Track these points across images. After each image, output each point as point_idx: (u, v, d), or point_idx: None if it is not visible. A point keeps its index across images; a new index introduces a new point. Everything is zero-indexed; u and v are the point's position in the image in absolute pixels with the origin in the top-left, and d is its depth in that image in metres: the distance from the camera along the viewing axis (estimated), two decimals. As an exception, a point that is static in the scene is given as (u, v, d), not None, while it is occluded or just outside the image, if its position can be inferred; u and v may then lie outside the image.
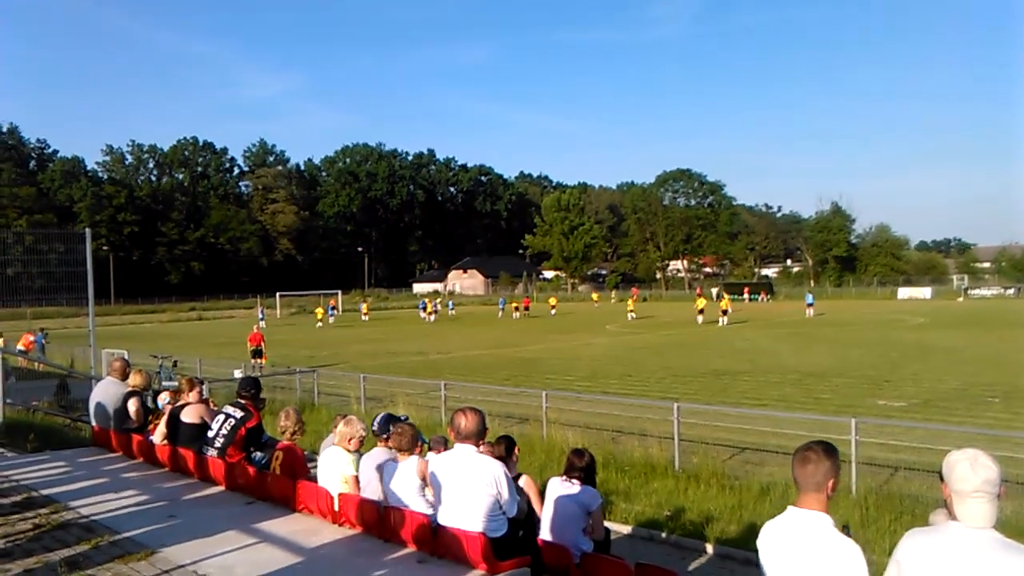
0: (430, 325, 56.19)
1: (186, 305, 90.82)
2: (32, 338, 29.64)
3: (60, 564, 4.98)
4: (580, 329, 46.66)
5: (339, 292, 79.96)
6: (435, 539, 4.91)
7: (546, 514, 5.87)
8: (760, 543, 3.40)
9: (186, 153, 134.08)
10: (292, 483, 6.29)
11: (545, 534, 5.78)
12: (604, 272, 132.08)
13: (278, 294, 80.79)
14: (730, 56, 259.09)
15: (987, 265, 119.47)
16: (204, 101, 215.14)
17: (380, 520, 5.42)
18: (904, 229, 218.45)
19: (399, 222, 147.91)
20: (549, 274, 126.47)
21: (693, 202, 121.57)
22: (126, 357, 13.39)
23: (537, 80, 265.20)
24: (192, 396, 8.05)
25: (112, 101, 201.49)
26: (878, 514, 9.03)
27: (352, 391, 18.57)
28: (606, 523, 6.64)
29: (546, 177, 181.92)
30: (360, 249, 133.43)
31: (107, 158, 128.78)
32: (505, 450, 6.64)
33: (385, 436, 6.31)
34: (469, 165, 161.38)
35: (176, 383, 19.86)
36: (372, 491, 5.91)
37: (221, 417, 7.36)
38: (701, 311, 48.18)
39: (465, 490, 4.71)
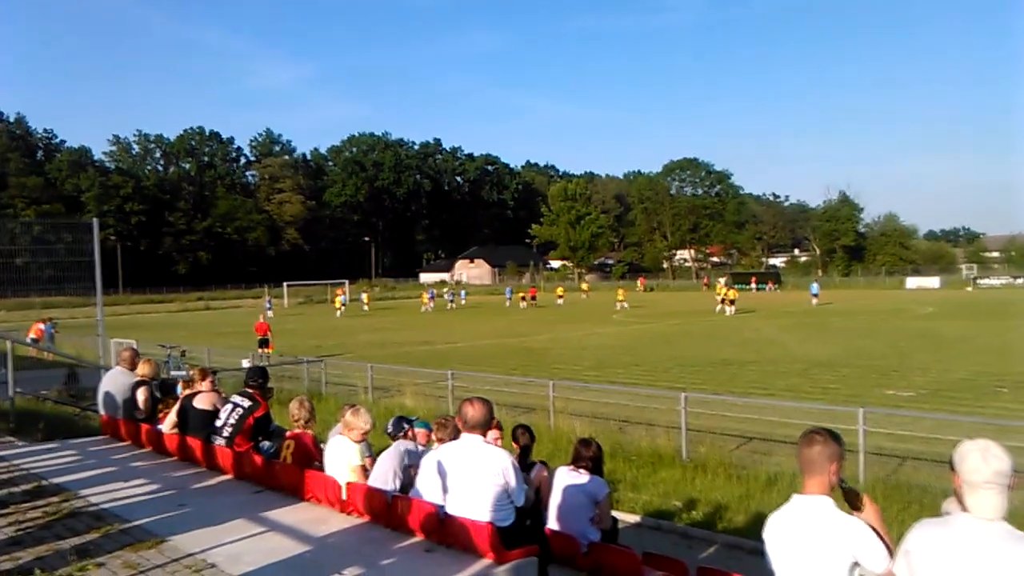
0: (434, 315, 56.18)
1: (194, 295, 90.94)
2: (43, 327, 29.75)
3: (70, 552, 5.01)
4: (587, 319, 46.63)
5: (346, 282, 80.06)
6: (443, 528, 4.91)
7: (553, 503, 5.88)
8: (766, 534, 3.41)
9: (193, 143, 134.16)
10: (300, 472, 6.31)
11: (552, 523, 5.79)
12: (611, 262, 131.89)
13: (285, 284, 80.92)
14: (738, 44, 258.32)
15: (996, 254, 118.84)
16: (210, 91, 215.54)
17: (388, 509, 5.43)
18: (912, 218, 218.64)
19: (406, 212, 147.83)
20: (556, 264, 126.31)
21: (700, 191, 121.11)
22: (135, 347, 13.45)
23: (544, 69, 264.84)
24: (204, 385, 8.09)
25: (119, 91, 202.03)
26: (886, 504, 9.01)
27: (360, 381, 18.62)
28: (613, 513, 6.65)
29: (553, 166, 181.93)
30: (367, 239, 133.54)
31: (114, 148, 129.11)
32: (530, 439, 6.71)
33: (401, 435, 6.34)
34: (475, 154, 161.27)
35: (185, 372, 19.97)
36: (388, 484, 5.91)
37: (229, 406, 7.38)
38: (723, 300, 47.99)
39: (472, 480, 4.72)
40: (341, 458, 6.10)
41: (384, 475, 5.89)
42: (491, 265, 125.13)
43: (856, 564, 3.15)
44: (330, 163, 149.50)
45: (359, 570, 4.61)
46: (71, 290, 19.83)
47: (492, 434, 6.08)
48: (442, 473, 4.89)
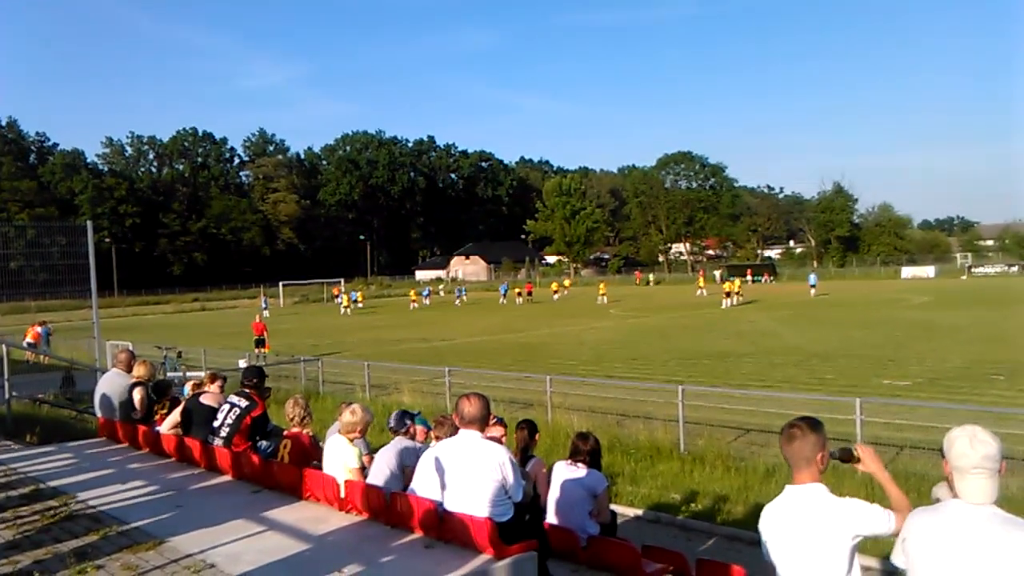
0: (432, 312, 56.14)
1: (189, 296, 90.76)
2: (39, 330, 29.70)
3: (69, 555, 5.00)
4: (584, 314, 46.66)
5: (342, 280, 79.98)
6: (441, 524, 4.91)
7: (552, 498, 5.89)
8: (761, 525, 3.44)
9: (186, 144, 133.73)
10: (298, 471, 6.30)
11: (551, 518, 5.80)
12: (607, 256, 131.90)
13: (281, 283, 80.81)
14: (730, 38, 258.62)
15: (991, 243, 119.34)
16: (203, 91, 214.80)
17: (387, 506, 5.43)
18: (907, 208, 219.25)
19: (400, 209, 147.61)
20: (551, 259, 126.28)
21: (695, 185, 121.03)
22: (131, 348, 13.42)
23: (537, 65, 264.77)
24: (214, 387, 8.14)
25: (111, 93, 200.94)
26: (884, 493, 9.03)
27: (357, 379, 18.62)
28: (612, 506, 6.66)
29: (547, 162, 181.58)
30: (362, 237, 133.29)
31: (107, 150, 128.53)
32: (528, 435, 6.69)
33: (403, 431, 6.33)
34: (469, 151, 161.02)
35: (182, 373, 19.96)
36: (392, 481, 5.91)
37: (226, 407, 7.38)
38: (728, 294, 48.07)
39: (470, 475, 4.71)
40: (338, 459, 6.10)
41: (380, 472, 5.89)
42: (487, 262, 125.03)
43: (856, 546, 3.18)
44: (324, 162, 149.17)
45: (359, 568, 4.61)
46: (66, 293, 19.86)
47: (497, 431, 6.09)
48: (440, 469, 4.89)
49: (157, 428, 8.26)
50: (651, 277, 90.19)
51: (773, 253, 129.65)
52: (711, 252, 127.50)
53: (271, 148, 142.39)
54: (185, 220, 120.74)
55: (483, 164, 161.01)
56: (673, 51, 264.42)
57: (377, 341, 33.93)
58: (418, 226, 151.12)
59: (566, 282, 78.23)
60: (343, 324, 46.72)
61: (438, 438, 6.23)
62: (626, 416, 14.47)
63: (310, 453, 6.80)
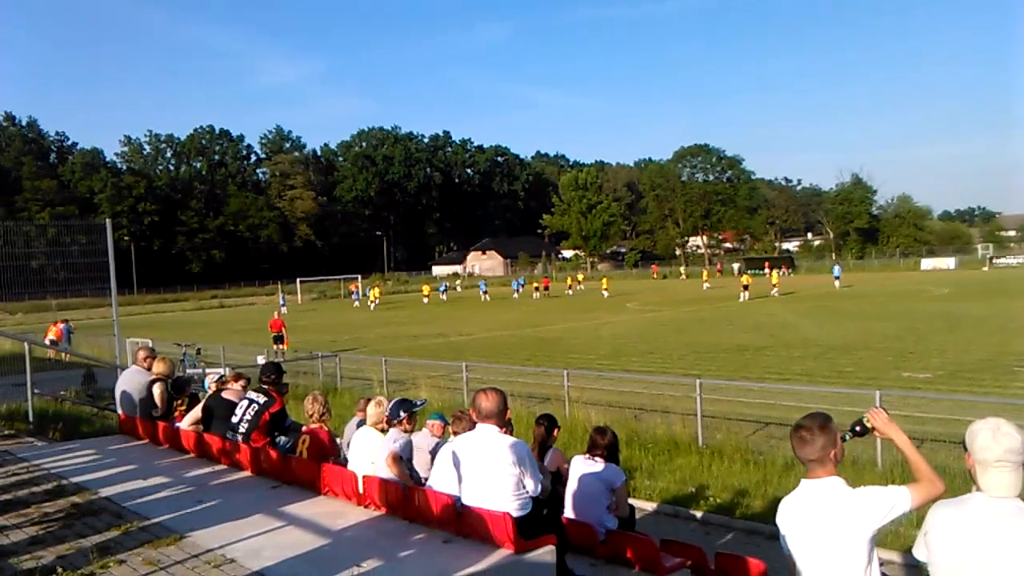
0: (450, 307, 56.20)
1: (208, 293, 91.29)
2: (62, 327, 30.03)
3: (91, 550, 5.05)
4: (601, 308, 46.57)
5: (359, 276, 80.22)
6: (460, 519, 4.92)
7: (570, 492, 5.89)
8: (779, 519, 3.43)
9: (203, 142, 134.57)
10: (317, 466, 6.33)
11: (569, 512, 5.80)
12: (623, 250, 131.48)
13: (298, 280, 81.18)
14: (747, 29, 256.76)
15: (1012, 233, 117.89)
16: (219, 90, 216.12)
17: (405, 501, 5.44)
18: (927, 199, 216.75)
19: (417, 205, 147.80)
20: (568, 253, 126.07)
21: (711, 177, 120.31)
22: (150, 346, 13.53)
23: (552, 59, 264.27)
24: (237, 385, 8.21)
25: (129, 92, 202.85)
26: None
27: (375, 374, 18.66)
28: (630, 501, 6.65)
29: (563, 156, 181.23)
30: (379, 233, 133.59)
31: (126, 149, 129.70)
32: (545, 430, 6.69)
33: (396, 420, 6.30)
34: (485, 146, 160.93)
35: (201, 370, 20.10)
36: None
37: (245, 403, 7.42)
38: (745, 287, 48.04)
39: (488, 470, 4.71)
40: (366, 450, 6.12)
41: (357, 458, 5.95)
42: (503, 256, 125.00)
43: (875, 537, 3.16)
44: (340, 158, 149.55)
45: (377, 562, 4.63)
46: (86, 291, 20.00)
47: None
48: (457, 464, 4.89)
49: (177, 424, 8.32)
50: (683, 270, 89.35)
51: (791, 246, 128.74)
52: (728, 245, 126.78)
53: (287, 145, 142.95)
54: (203, 217, 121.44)
55: (499, 159, 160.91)
56: (689, 44, 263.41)
57: (395, 336, 34.02)
58: (434, 221, 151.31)
59: (580, 276, 78.35)
60: (361, 320, 46.87)
61: (455, 433, 6.24)
62: (644, 410, 14.43)
63: (328, 448, 6.83)
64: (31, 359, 12.97)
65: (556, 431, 6.86)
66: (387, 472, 5.84)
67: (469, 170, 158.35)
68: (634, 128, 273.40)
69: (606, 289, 59.77)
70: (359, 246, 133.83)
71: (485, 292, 65.71)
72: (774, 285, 50.47)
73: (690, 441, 12.04)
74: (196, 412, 8.09)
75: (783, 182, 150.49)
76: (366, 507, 5.81)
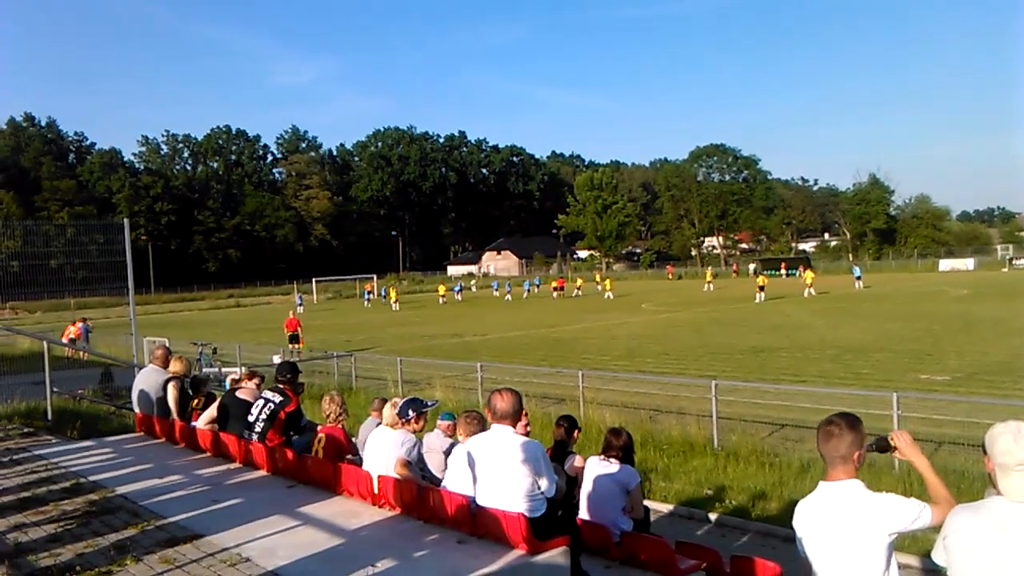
0: (466, 307, 56.27)
1: (224, 292, 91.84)
2: (80, 326, 30.30)
3: (109, 548, 5.09)
4: (616, 308, 46.49)
5: (374, 276, 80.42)
6: (474, 520, 4.92)
7: (585, 493, 5.87)
8: (796, 522, 3.41)
9: (220, 142, 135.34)
10: (332, 466, 6.35)
11: (584, 513, 5.78)
12: (639, 250, 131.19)
13: (314, 279, 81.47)
14: (763, 29, 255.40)
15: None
16: (236, 90, 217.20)
17: (419, 501, 5.45)
18: (945, 200, 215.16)
19: (432, 205, 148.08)
20: (583, 253, 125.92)
21: (727, 177, 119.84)
22: (167, 345, 13.62)
23: (567, 59, 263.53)
24: (251, 384, 8.25)
25: (146, 92, 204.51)
26: (922, 489, 8.87)
27: (390, 374, 18.70)
28: (645, 502, 6.62)
29: (578, 156, 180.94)
30: (394, 233, 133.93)
31: (143, 149, 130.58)
32: (566, 431, 6.68)
33: (404, 420, 6.30)
34: (501, 146, 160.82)
35: (217, 369, 20.21)
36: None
37: (260, 402, 7.44)
38: (761, 287, 47.84)
39: (503, 471, 4.70)
40: (384, 449, 6.12)
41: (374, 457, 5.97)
42: (518, 256, 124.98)
43: (893, 543, 3.15)
44: (356, 158, 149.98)
45: (392, 562, 4.64)
46: (104, 290, 20.17)
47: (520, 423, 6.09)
48: (472, 464, 4.89)
49: (193, 423, 8.37)
50: (709, 272, 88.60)
51: (807, 246, 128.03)
52: (744, 246, 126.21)
53: (303, 145, 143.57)
54: (220, 217, 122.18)
55: (514, 159, 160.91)
56: (704, 44, 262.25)
57: (410, 336, 34.08)
58: (449, 221, 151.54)
59: (597, 277, 78.41)
60: (376, 320, 46.99)
61: (463, 434, 6.25)
62: (659, 411, 14.39)
63: (344, 448, 6.85)
64: (50, 358, 13.10)
65: (576, 433, 6.84)
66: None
67: (484, 170, 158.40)
68: (649, 128, 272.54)
69: (609, 290, 59.56)
70: (374, 246, 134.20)
71: (509, 291, 65.84)
72: (808, 285, 49.90)
73: (705, 443, 11.99)
74: (212, 411, 8.14)
75: (800, 182, 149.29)
76: (381, 507, 5.82)
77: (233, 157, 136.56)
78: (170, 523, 5.65)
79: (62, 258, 19.09)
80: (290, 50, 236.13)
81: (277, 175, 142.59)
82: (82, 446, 9.07)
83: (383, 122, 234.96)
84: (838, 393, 13.84)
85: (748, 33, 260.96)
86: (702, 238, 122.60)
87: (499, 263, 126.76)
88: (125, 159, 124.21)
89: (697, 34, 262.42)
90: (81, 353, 25.43)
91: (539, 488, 4.70)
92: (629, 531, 5.54)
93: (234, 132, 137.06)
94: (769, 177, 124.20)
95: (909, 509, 3.15)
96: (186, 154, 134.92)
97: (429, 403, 6.57)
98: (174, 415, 8.80)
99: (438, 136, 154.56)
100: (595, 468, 5.88)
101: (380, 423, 6.90)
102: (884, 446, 3.42)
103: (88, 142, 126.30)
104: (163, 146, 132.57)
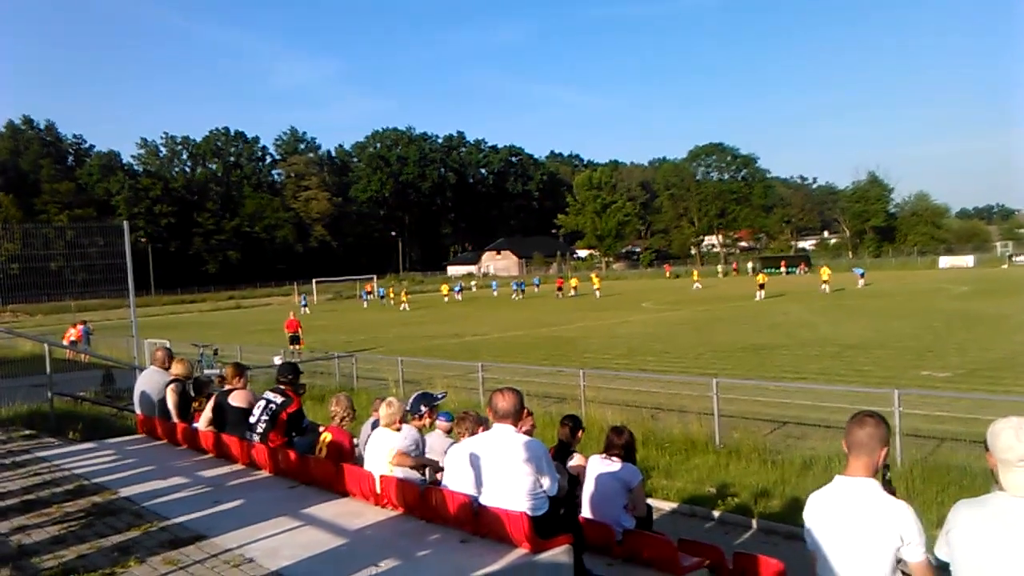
0: (465, 306, 56.26)
1: (224, 294, 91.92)
2: (81, 329, 30.28)
3: (112, 550, 5.09)
4: (617, 307, 46.49)
5: (375, 276, 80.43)
6: (477, 519, 4.92)
7: (587, 492, 5.88)
8: (807, 514, 3.40)
9: (218, 143, 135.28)
10: (335, 467, 6.35)
11: (586, 512, 5.79)
12: (638, 249, 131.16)
13: (314, 280, 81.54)
14: (761, 28, 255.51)
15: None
16: (234, 91, 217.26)
17: (422, 501, 5.45)
18: (944, 197, 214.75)
19: (431, 205, 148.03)
20: (583, 253, 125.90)
21: (726, 176, 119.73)
22: (168, 347, 13.62)
23: (566, 58, 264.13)
24: (239, 383, 8.15)
25: (144, 94, 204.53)
26: (924, 486, 8.91)
27: (391, 375, 18.69)
28: (647, 500, 6.63)
29: (577, 156, 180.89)
30: (393, 233, 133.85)
31: (142, 151, 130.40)
32: (570, 431, 6.68)
33: (417, 416, 6.32)
34: (499, 146, 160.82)
35: (219, 370, 20.20)
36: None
37: (262, 403, 7.44)
38: (761, 286, 47.86)
39: (505, 470, 4.71)
40: (381, 450, 6.14)
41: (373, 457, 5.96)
42: (518, 256, 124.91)
43: (900, 548, 3.12)
44: (355, 159, 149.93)
45: (395, 562, 4.64)
46: (104, 293, 20.21)
47: (527, 423, 6.10)
48: (474, 464, 4.89)
49: (195, 425, 8.36)
50: (720, 269, 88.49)
51: (807, 244, 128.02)
52: (744, 244, 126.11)
53: (302, 146, 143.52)
54: (219, 219, 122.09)
55: (513, 159, 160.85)
56: (703, 43, 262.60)
57: (410, 337, 34.08)
58: (449, 222, 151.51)
59: (572, 281, 78.73)
60: (377, 320, 46.99)
61: (460, 435, 6.27)
62: (660, 410, 14.38)
63: (347, 449, 6.85)
64: (51, 360, 13.10)
65: (580, 432, 6.85)
66: (402, 472, 5.86)
67: (483, 170, 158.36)
68: (648, 127, 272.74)
69: (597, 287, 60.33)
70: (374, 246, 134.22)
71: (518, 290, 66.61)
72: (825, 281, 49.37)
73: (707, 440, 12.00)
74: (208, 412, 8.10)
75: (798, 180, 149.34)
76: (383, 507, 5.82)
77: (232, 158, 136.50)
78: (173, 524, 5.65)
79: (62, 260, 19.10)
80: (288, 51, 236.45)
81: (276, 176, 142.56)
82: (84, 448, 9.07)
83: (382, 123, 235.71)
84: (839, 390, 13.85)
85: (747, 32, 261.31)
86: (701, 237, 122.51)
87: (498, 263, 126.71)
88: (124, 161, 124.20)
89: (696, 33, 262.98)
90: (82, 355, 25.41)
91: (541, 487, 4.71)
92: (631, 529, 5.55)
93: (233, 133, 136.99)
94: (768, 176, 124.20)
95: (917, 530, 3.10)
96: (185, 156, 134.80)
97: (438, 395, 6.64)
98: (174, 418, 8.80)
99: (437, 136, 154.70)
100: (597, 466, 5.89)
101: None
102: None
103: (87, 144, 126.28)
104: (162, 148, 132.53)
